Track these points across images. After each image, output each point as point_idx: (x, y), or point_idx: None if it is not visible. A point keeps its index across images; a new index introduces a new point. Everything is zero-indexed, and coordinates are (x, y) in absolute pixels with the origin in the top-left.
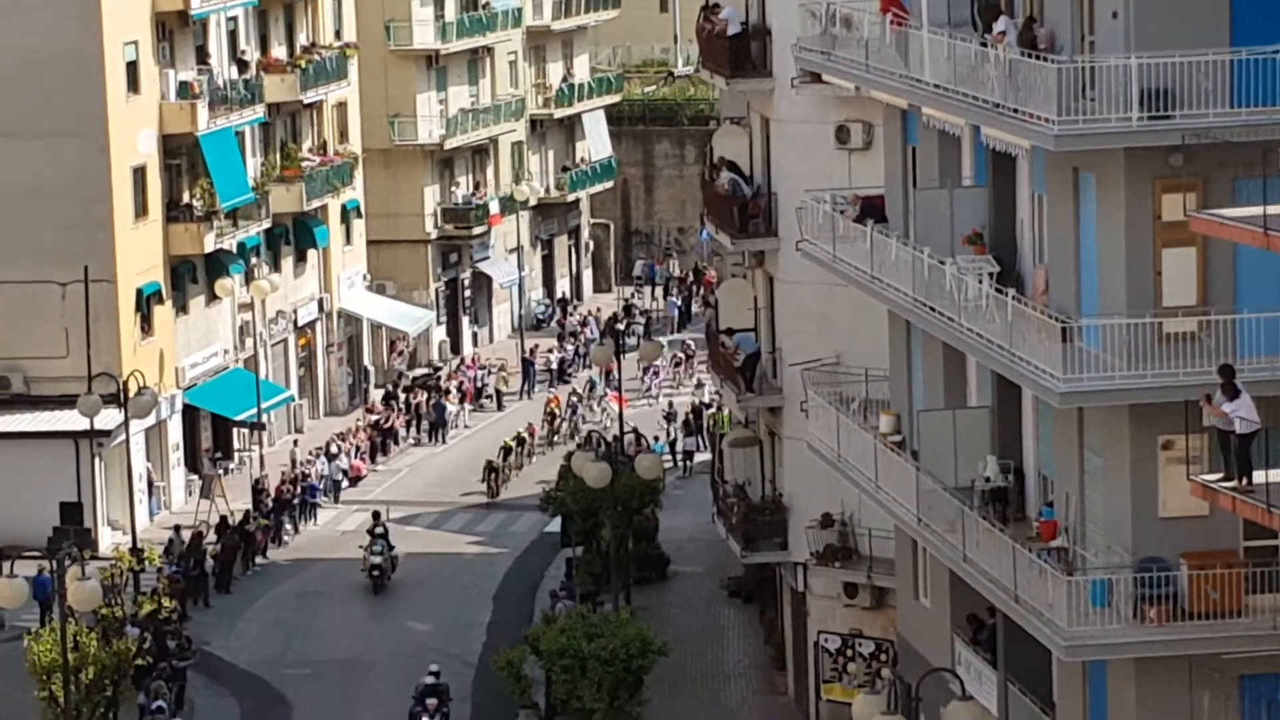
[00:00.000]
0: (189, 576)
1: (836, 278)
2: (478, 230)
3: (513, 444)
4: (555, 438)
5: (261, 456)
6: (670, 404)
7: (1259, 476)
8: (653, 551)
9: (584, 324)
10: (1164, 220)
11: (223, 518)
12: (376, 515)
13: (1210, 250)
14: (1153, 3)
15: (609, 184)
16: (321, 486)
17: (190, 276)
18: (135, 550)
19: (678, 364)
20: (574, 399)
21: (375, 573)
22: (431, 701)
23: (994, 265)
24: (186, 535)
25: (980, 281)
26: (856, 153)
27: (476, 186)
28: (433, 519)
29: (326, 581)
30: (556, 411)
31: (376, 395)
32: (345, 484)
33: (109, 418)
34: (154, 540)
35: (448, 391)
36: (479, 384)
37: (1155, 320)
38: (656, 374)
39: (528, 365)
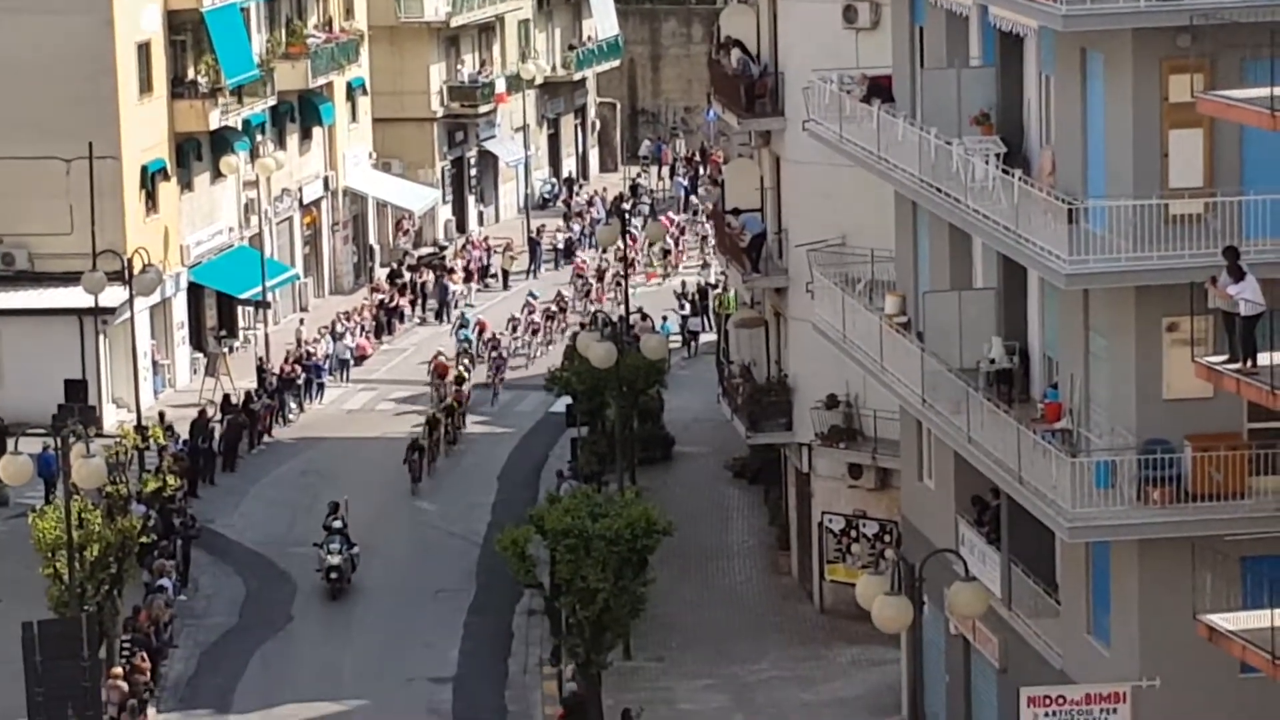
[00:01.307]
0: (195, 454)
1: (843, 158)
2: (484, 109)
3: (440, 416)
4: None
5: (266, 335)
6: (683, 283)
7: (1263, 358)
8: (658, 432)
9: (590, 204)
10: (1171, 101)
11: (225, 396)
12: (335, 506)
13: (1217, 132)
14: None
15: (615, 63)
16: (327, 365)
17: (195, 153)
18: (140, 428)
19: (531, 315)
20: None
21: (333, 575)
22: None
23: (1001, 146)
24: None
25: (987, 162)
26: (864, 32)
27: (482, 64)
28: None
29: (331, 460)
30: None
31: (382, 274)
32: (351, 363)
33: (113, 295)
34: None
35: (452, 270)
36: (484, 263)
37: (1161, 202)
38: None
39: (534, 245)
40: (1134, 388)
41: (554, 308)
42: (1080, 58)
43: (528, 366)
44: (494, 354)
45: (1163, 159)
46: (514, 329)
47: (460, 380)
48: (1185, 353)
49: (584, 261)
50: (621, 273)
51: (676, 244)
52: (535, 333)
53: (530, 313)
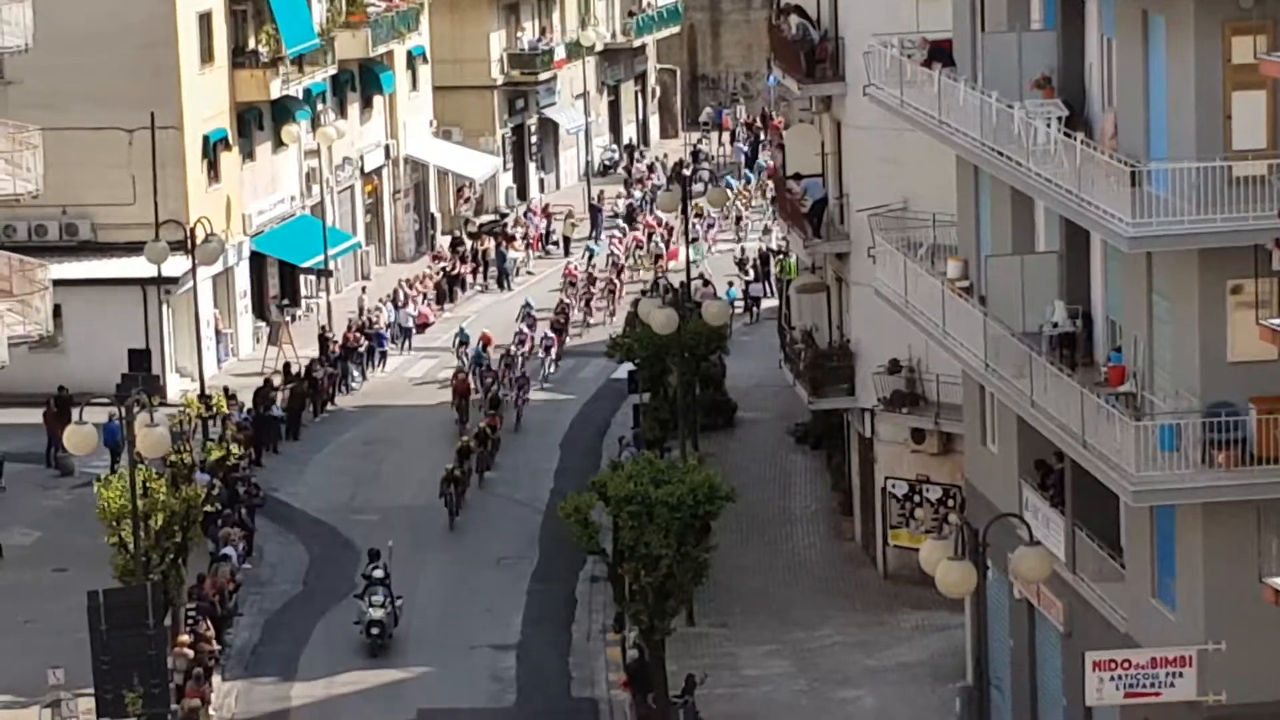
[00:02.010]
0: (259, 423)
1: (904, 122)
2: (544, 76)
3: (472, 443)
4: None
5: (329, 303)
6: (743, 249)
7: None
8: (720, 398)
9: (651, 170)
10: (1234, 63)
11: (286, 364)
12: (375, 554)
13: None
14: None
15: (675, 29)
16: (389, 334)
17: (257, 123)
18: (203, 397)
19: (529, 326)
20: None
21: (374, 630)
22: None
23: (1063, 109)
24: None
25: (1049, 126)
26: None
27: (542, 32)
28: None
29: (394, 428)
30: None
31: (443, 242)
32: (413, 330)
33: (176, 265)
34: (222, 387)
35: (513, 238)
36: (546, 230)
37: (1225, 164)
38: (711, 226)
39: (595, 211)
40: (1198, 350)
41: (559, 319)
42: (1142, 20)
43: (540, 385)
44: (510, 373)
45: (1225, 121)
46: (521, 343)
47: (495, 403)
48: (1249, 315)
49: (574, 267)
50: (617, 277)
51: (667, 245)
52: (549, 349)
53: (531, 325)
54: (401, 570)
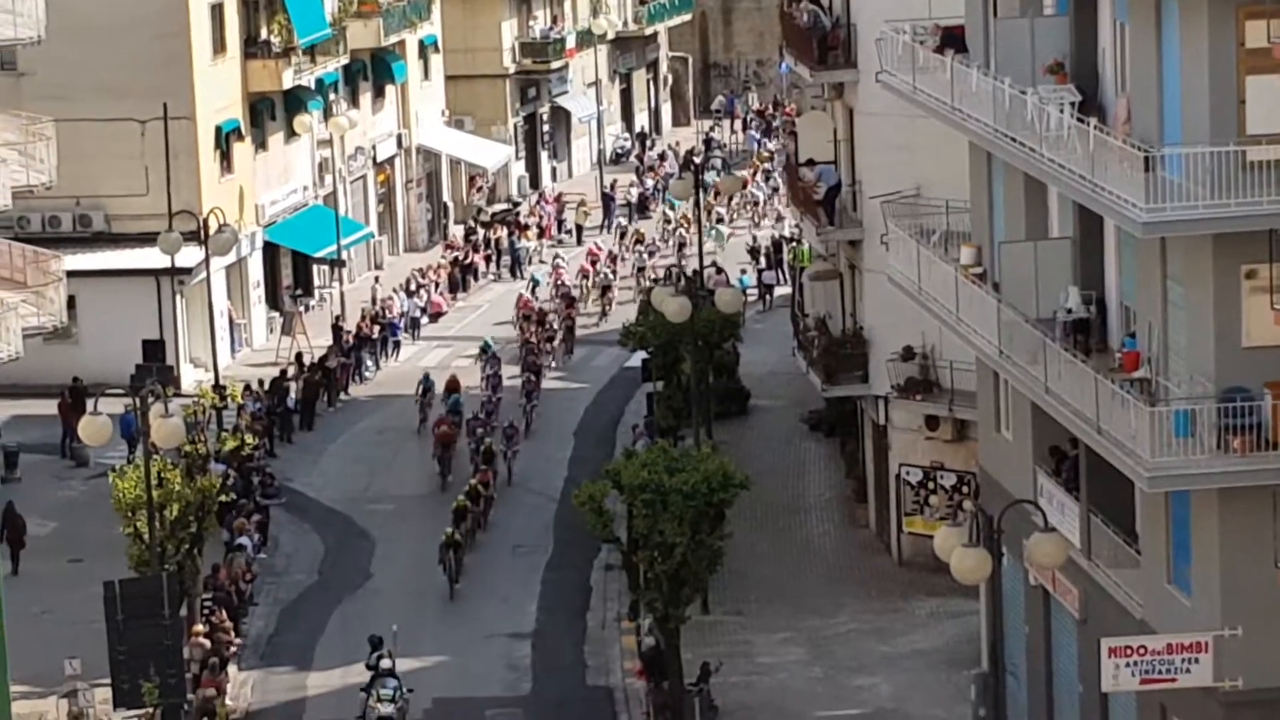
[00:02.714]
0: (272, 414)
1: (916, 109)
2: (556, 64)
3: (466, 502)
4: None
5: (342, 293)
6: (754, 238)
7: None
8: (733, 385)
9: (663, 158)
10: (1247, 47)
11: (298, 354)
12: (378, 642)
13: None
14: None
15: (687, 16)
16: (402, 323)
17: (269, 113)
18: (218, 387)
19: (493, 367)
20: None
21: None
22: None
23: (1076, 95)
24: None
25: (1062, 111)
26: None
27: (554, 20)
28: (511, 355)
29: (408, 417)
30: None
31: (456, 231)
32: (425, 320)
33: (190, 255)
34: (236, 377)
35: (527, 227)
36: (558, 218)
37: (1239, 148)
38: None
39: (608, 200)
40: (1213, 336)
41: (532, 359)
42: (1155, 4)
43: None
44: (493, 423)
45: (1239, 105)
46: (493, 387)
47: (489, 457)
48: (1264, 300)
49: (529, 299)
50: (568, 309)
51: (613, 274)
52: (530, 394)
53: (495, 365)
54: (417, 561)
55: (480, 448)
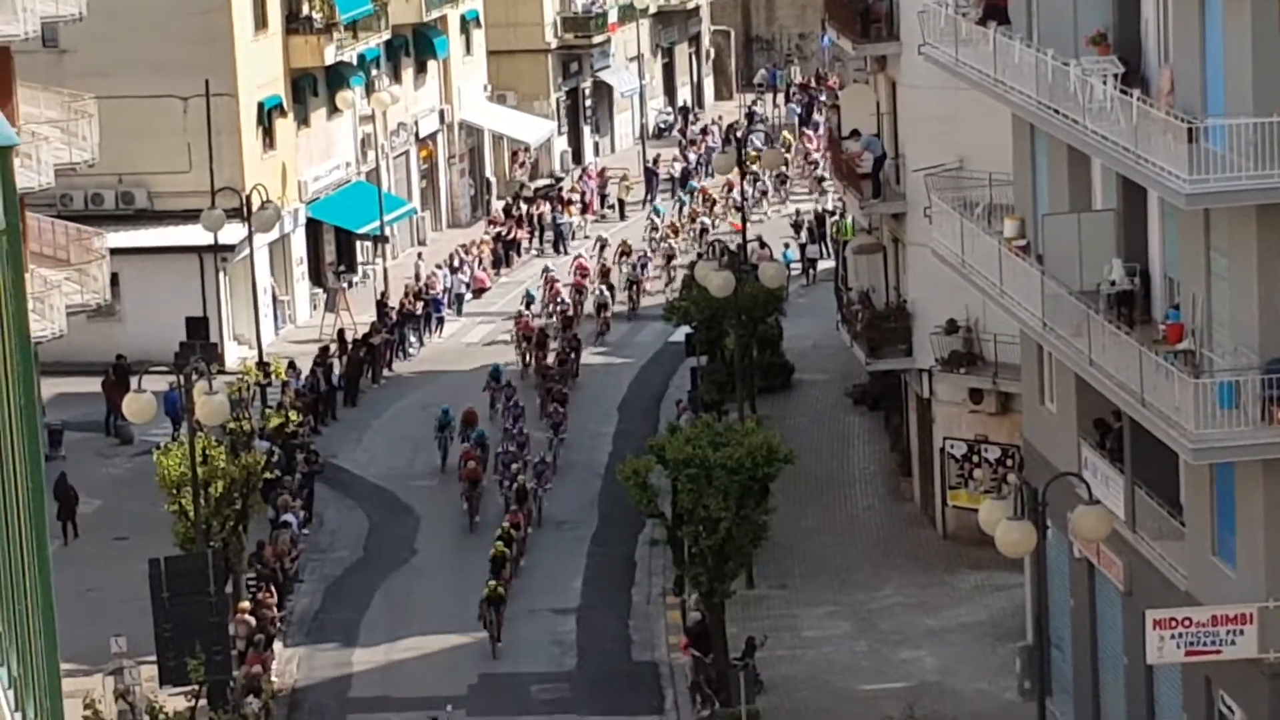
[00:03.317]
0: (316, 390)
1: (959, 81)
2: (598, 39)
3: (504, 549)
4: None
5: (385, 269)
6: (797, 211)
7: None
8: (777, 360)
9: (705, 132)
10: None
11: (340, 331)
12: None
13: None
14: None
15: None
16: (445, 299)
17: (311, 89)
18: (262, 364)
19: (506, 393)
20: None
21: None
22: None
23: (1119, 66)
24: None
25: (1105, 83)
26: None
27: None
28: (555, 330)
29: (452, 393)
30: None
31: (499, 206)
32: (469, 296)
33: (233, 232)
34: (280, 354)
35: (570, 202)
36: (601, 193)
37: None
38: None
39: (650, 174)
40: (1257, 307)
41: (558, 388)
42: None
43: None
44: (524, 456)
45: None
46: (516, 418)
47: (521, 496)
48: None
49: (530, 319)
50: (565, 329)
51: (609, 290)
52: (557, 426)
53: (509, 389)
54: (460, 536)
55: (513, 485)
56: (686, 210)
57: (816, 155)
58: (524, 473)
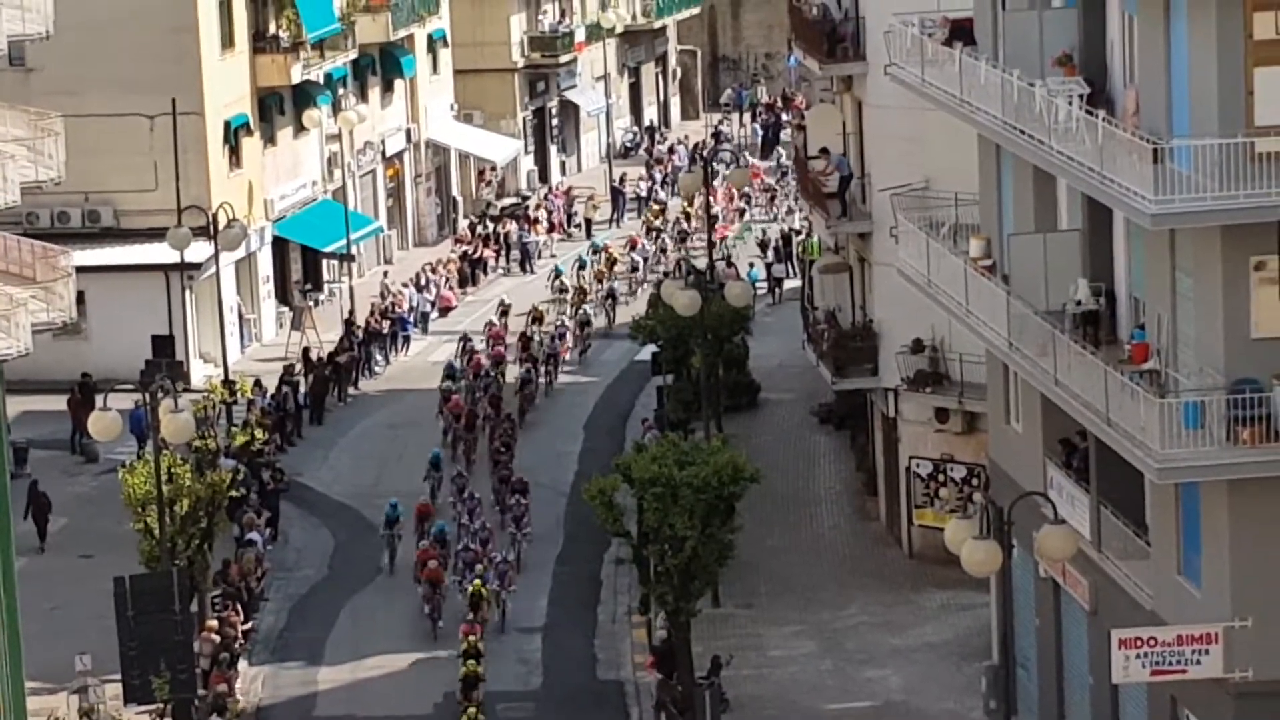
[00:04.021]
0: (283, 408)
1: (925, 102)
2: (564, 58)
3: (476, 668)
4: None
5: (351, 288)
6: (764, 232)
7: None
8: (743, 379)
9: (672, 151)
10: (1256, 39)
11: (305, 349)
12: None
13: None
14: None
15: (695, 10)
16: (412, 318)
17: (278, 108)
18: (227, 382)
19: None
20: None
21: None
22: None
23: (1084, 87)
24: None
25: (1070, 103)
26: None
27: (563, 14)
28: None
29: (418, 412)
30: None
31: (465, 225)
32: (435, 315)
33: (199, 250)
34: (246, 372)
35: (536, 220)
36: (568, 212)
37: (1247, 140)
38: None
39: (617, 194)
40: (1221, 327)
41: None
42: None
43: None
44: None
45: (1248, 97)
46: (466, 508)
47: (476, 603)
48: (1273, 291)
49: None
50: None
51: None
52: (519, 519)
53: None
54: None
55: (472, 592)
56: (590, 270)
57: (770, 181)
58: (488, 569)
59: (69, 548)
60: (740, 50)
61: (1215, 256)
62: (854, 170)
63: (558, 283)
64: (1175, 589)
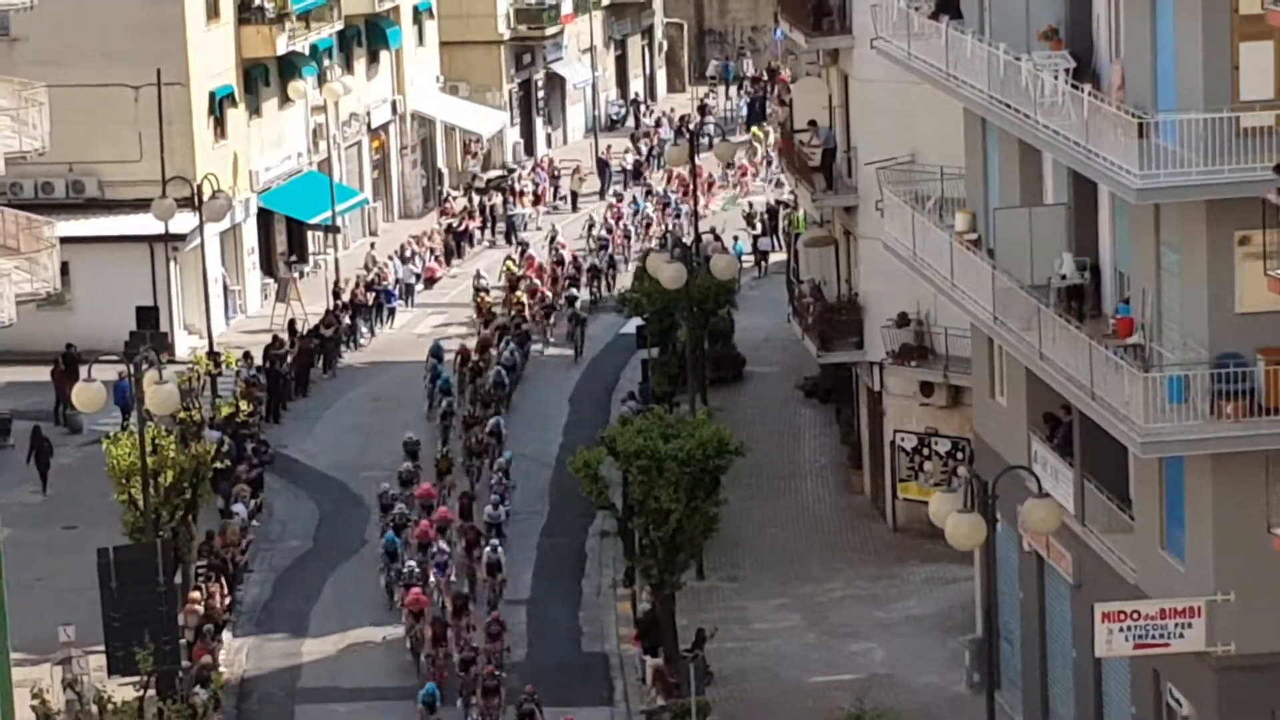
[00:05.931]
0: (270, 379)
1: (912, 75)
2: (551, 31)
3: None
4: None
5: (336, 260)
6: (750, 204)
7: None
8: (728, 352)
9: (658, 124)
10: (1241, 14)
11: (291, 321)
12: None
13: None
14: None
15: None
16: (397, 290)
17: (263, 79)
18: (212, 354)
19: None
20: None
21: None
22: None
23: (1070, 61)
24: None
25: (1056, 78)
26: None
27: None
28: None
29: (402, 385)
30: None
31: (453, 197)
32: (420, 287)
33: (183, 221)
34: (230, 344)
35: (521, 193)
36: (553, 184)
37: (1232, 115)
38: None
39: (603, 166)
40: (1206, 302)
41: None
42: None
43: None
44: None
45: (1233, 72)
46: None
47: (467, 665)
48: (1258, 266)
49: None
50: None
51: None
52: (498, 587)
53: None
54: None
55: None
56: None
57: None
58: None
59: (53, 519)
60: (726, 23)
61: (1200, 231)
62: (839, 144)
63: (481, 282)
64: (1158, 563)
